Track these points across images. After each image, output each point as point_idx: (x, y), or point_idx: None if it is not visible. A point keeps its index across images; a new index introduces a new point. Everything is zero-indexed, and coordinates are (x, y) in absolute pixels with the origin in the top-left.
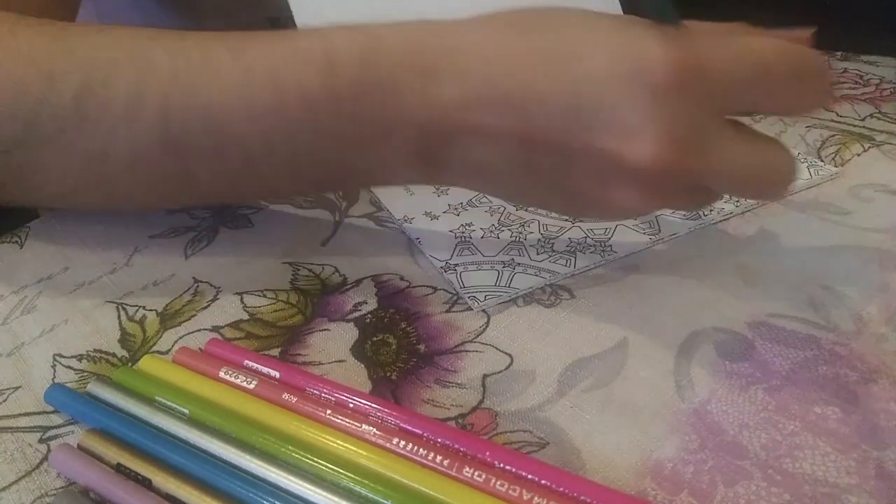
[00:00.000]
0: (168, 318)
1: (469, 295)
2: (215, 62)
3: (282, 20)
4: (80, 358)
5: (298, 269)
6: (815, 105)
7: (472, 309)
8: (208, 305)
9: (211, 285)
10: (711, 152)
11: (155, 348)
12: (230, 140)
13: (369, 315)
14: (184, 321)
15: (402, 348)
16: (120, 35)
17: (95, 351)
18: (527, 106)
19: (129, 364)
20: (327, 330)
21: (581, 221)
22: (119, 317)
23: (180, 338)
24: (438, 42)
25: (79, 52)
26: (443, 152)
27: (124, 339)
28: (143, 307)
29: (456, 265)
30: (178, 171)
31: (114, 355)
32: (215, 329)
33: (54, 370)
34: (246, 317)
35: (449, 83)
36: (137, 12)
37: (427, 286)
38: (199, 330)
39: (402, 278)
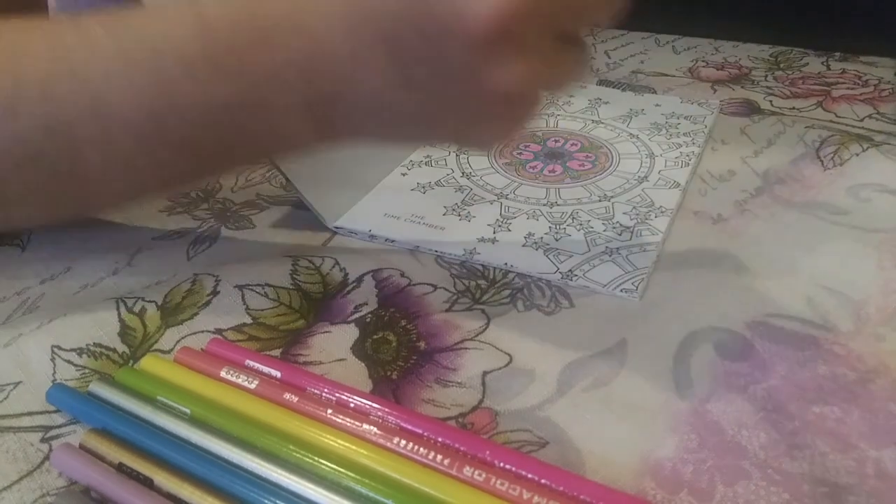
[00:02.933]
0: (169, 314)
1: (620, 289)
2: (92, 41)
3: None
4: (80, 352)
5: (298, 261)
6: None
7: (471, 309)
8: (209, 300)
9: (210, 274)
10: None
11: (156, 346)
12: (117, 120)
13: (370, 315)
14: (185, 319)
15: (402, 345)
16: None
17: (95, 345)
18: (378, 12)
19: (131, 361)
20: (328, 332)
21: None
22: (118, 309)
23: (182, 338)
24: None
25: None
26: (329, 96)
27: (124, 332)
28: (143, 298)
29: (571, 271)
30: (66, 162)
31: (114, 351)
32: (218, 332)
33: (54, 364)
34: (249, 320)
35: (318, 25)
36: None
37: (427, 284)
38: (201, 331)
39: (402, 274)
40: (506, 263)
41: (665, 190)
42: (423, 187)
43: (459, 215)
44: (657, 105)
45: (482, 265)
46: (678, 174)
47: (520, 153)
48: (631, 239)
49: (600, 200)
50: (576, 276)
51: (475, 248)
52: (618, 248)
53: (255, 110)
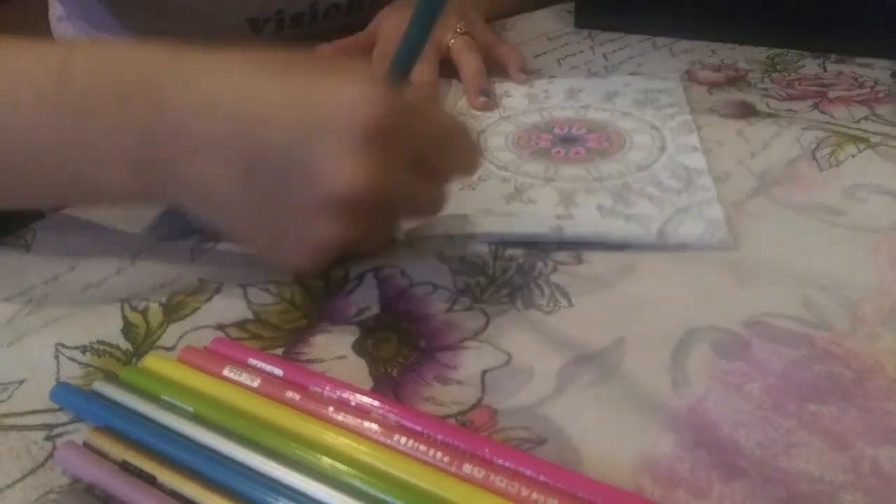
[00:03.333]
0: (171, 311)
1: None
2: None
3: (260, 20)
4: (83, 350)
5: None
6: (470, 169)
7: (471, 309)
8: (211, 297)
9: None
10: (395, 183)
11: (159, 343)
12: None
13: (371, 319)
14: (188, 315)
15: (402, 343)
16: None
17: (99, 342)
18: (254, 122)
19: (134, 358)
20: (330, 332)
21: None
22: (122, 307)
23: (185, 333)
24: (174, 63)
25: None
26: (162, 158)
27: (127, 329)
28: (147, 299)
29: (662, 230)
30: None
31: (118, 348)
32: (220, 327)
33: (58, 362)
34: (251, 316)
35: (175, 92)
36: (118, 20)
37: (427, 283)
38: (203, 327)
39: (403, 273)
40: (596, 232)
41: (688, 154)
42: (472, 184)
43: (522, 201)
44: (627, 85)
45: (573, 241)
46: (690, 139)
47: (536, 143)
48: (690, 198)
49: (639, 170)
50: (669, 234)
51: (559, 226)
52: (686, 207)
53: (86, 150)
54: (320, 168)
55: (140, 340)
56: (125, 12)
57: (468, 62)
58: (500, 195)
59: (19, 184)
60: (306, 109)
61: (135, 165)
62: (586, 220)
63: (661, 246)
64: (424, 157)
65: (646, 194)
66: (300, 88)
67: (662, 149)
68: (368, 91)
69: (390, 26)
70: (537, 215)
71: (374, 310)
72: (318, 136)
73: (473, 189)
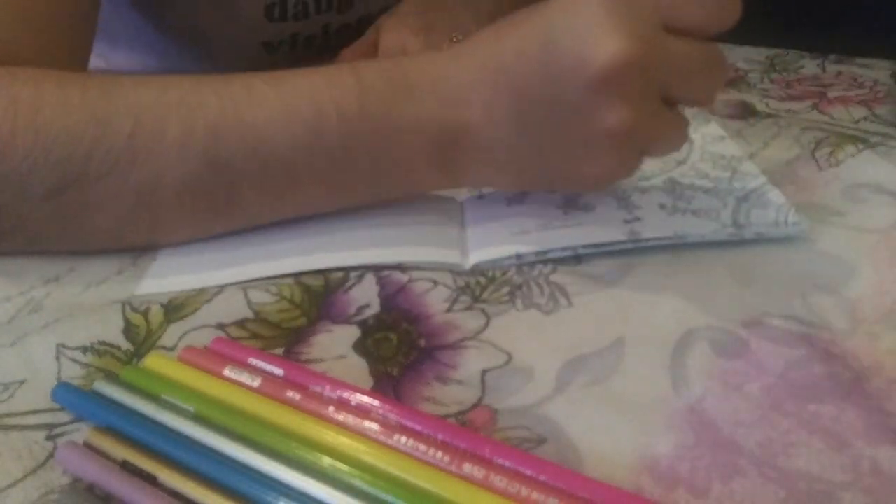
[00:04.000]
0: (173, 311)
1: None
2: (258, 95)
3: (274, 44)
4: (84, 350)
5: None
6: (718, 89)
7: (471, 308)
8: (212, 298)
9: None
10: (664, 48)
11: (160, 343)
12: (274, 159)
13: (371, 318)
14: (188, 314)
15: (402, 342)
16: (166, 83)
17: (100, 343)
18: (510, 64)
19: (135, 358)
20: (330, 331)
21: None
22: (123, 308)
23: (185, 333)
24: (443, 59)
25: (130, 98)
26: (458, 144)
27: (128, 329)
28: (148, 300)
29: (736, 223)
30: (225, 194)
31: (118, 348)
32: (220, 327)
33: (59, 362)
34: (251, 315)
35: (457, 77)
36: (138, 40)
37: (427, 280)
38: (204, 326)
39: (402, 271)
40: (674, 233)
41: (719, 143)
42: (520, 200)
43: (579, 208)
44: None
45: (653, 245)
46: (711, 129)
47: None
48: (744, 186)
49: (679, 165)
50: (743, 226)
51: (633, 230)
52: (745, 196)
53: (395, 152)
54: (580, 55)
55: (140, 340)
56: (149, 34)
57: None
58: (552, 206)
59: (321, 194)
60: (552, 45)
61: (438, 154)
62: (657, 221)
63: (738, 239)
64: (671, 90)
65: (699, 188)
66: (543, 25)
67: (691, 141)
68: (616, 27)
69: (392, 40)
70: (605, 222)
71: (374, 308)
72: (569, 44)
73: (523, 204)
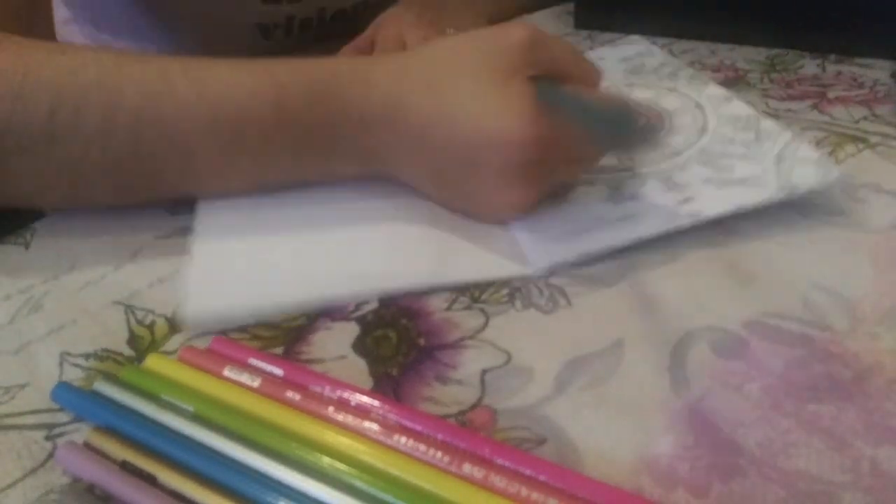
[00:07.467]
0: (177, 322)
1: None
2: (178, 95)
3: (270, 26)
4: (87, 356)
5: None
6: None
7: (470, 308)
8: None
9: None
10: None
11: (162, 349)
12: (197, 151)
13: (371, 314)
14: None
15: (402, 342)
16: (85, 59)
17: (104, 350)
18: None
19: (135, 361)
20: (329, 328)
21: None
22: (128, 320)
23: (187, 340)
24: (368, 64)
25: (45, 75)
26: (374, 149)
27: (133, 339)
28: (153, 311)
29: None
30: (149, 175)
31: (121, 354)
32: (222, 331)
33: (61, 368)
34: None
35: (381, 86)
36: (127, 24)
37: None
38: (206, 334)
39: None
40: (737, 206)
41: (727, 104)
42: (564, 197)
43: (627, 198)
44: (601, 59)
45: (715, 221)
46: (713, 90)
47: None
48: (773, 145)
49: (702, 134)
50: (793, 187)
51: (691, 211)
52: (779, 156)
53: (320, 149)
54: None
55: (144, 348)
56: (138, 17)
57: None
58: (599, 199)
59: (244, 179)
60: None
61: (354, 151)
62: (711, 198)
63: (789, 201)
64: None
65: (733, 155)
66: (457, 109)
67: (698, 106)
68: (521, 124)
69: (391, 36)
70: (660, 208)
71: (373, 304)
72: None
73: (568, 202)
